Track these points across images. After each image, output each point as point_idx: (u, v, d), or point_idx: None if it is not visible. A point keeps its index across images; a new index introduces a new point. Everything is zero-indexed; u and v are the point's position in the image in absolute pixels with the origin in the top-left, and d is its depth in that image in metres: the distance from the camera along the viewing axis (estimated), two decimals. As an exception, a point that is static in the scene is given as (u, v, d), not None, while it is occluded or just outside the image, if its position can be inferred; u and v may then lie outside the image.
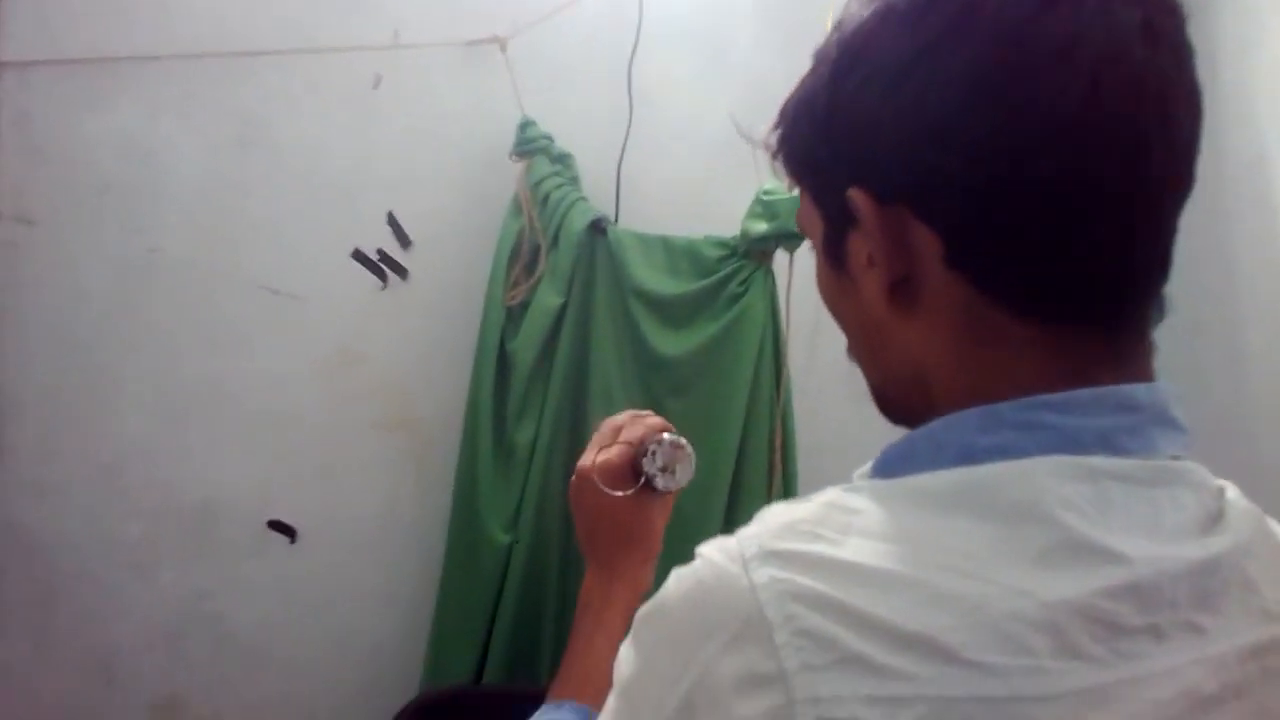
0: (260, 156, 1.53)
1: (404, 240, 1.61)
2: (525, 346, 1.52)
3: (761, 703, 0.38)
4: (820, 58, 0.51)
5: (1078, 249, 0.44)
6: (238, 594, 1.52)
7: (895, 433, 0.51)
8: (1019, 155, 0.43)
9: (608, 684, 0.47)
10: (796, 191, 0.55)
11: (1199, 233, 1.70)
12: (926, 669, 0.37)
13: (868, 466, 0.51)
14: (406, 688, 1.53)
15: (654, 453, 0.82)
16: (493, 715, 0.77)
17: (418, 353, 1.62)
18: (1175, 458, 0.46)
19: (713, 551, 0.43)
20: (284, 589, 1.54)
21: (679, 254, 1.58)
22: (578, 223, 1.54)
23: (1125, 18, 0.43)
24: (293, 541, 1.55)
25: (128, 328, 1.48)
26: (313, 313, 1.56)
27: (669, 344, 1.54)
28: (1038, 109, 0.42)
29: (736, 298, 1.54)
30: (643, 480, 0.82)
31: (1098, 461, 0.43)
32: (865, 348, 0.54)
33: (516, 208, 1.58)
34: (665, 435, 0.83)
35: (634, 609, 0.49)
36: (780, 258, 1.55)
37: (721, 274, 1.55)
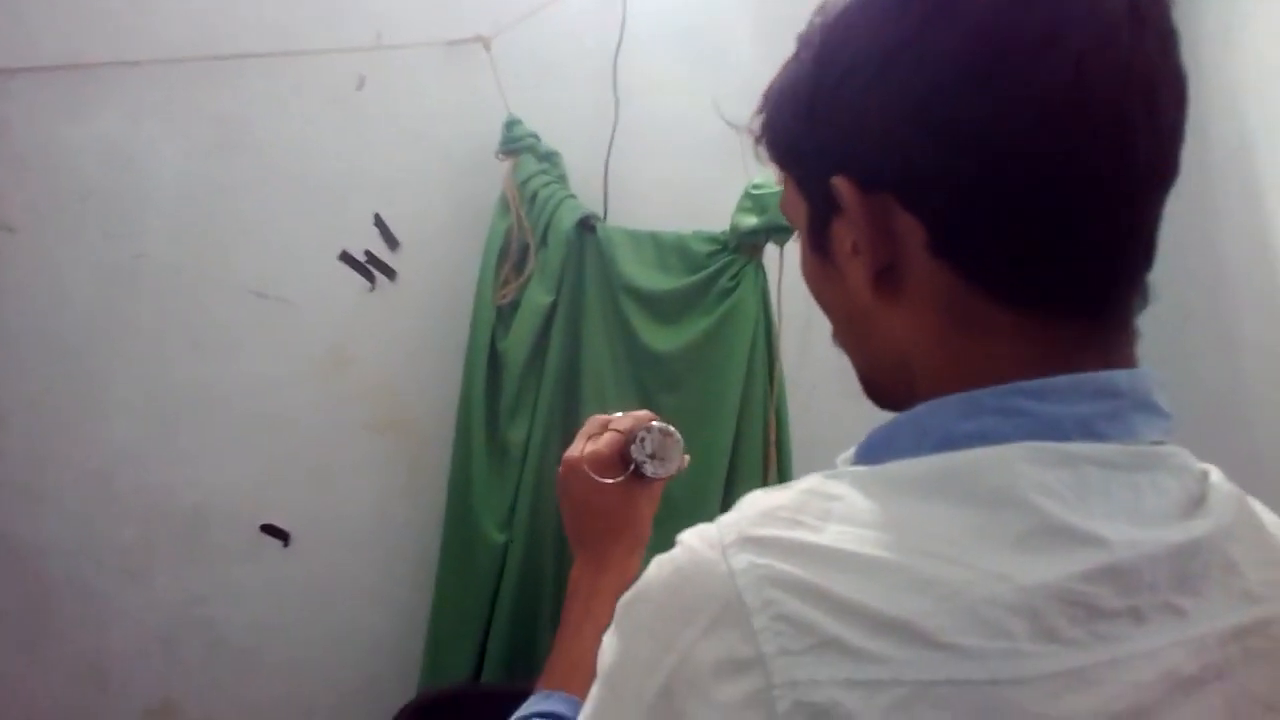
0: (244, 160, 1.53)
1: (391, 241, 1.61)
2: (516, 345, 1.53)
3: (740, 687, 0.38)
4: (803, 43, 0.51)
5: (1062, 236, 0.44)
6: (231, 598, 1.52)
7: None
8: (1004, 142, 0.43)
9: (596, 673, 0.48)
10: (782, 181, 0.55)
11: (1186, 220, 1.72)
12: (904, 653, 0.37)
13: (850, 452, 0.51)
14: (404, 689, 1.54)
15: (643, 439, 0.83)
16: (492, 714, 0.77)
17: (408, 354, 1.62)
18: (1158, 443, 0.46)
19: (692, 538, 0.44)
20: (278, 592, 1.55)
21: (669, 249, 1.59)
22: (566, 220, 1.54)
23: (1111, 4, 0.43)
24: (285, 545, 1.55)
25: (114, 334, 1.47)
26: (301, 316, 1.56)
27: (661, 340, 1.54)
28: (1023, 95, 0.42)
29: (727, 292, 1.55)
30: (632, 468, 0.82)
31: (1076, 447, 0.43)
32: (850, 335, 0.54)
33: (504, 207, 1.58)
34: (654, 423, 0.84)
35: None
36: (771, 251, 1.55)
37: (712, 269, 1.56)
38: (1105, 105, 0.42)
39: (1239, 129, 1.65)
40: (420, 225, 1.63)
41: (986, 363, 0.46)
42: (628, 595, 0.46)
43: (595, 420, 0.88)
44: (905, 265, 0.47)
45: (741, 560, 0.40)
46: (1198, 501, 0.46)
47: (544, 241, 1.56)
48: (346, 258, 1.59)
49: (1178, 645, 0.41)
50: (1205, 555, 0.44)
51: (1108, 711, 0.38)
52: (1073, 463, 0.43)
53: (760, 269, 1.57)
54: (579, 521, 0.85)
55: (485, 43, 1.62)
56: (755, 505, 0.44)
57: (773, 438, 1.58)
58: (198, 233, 1.52)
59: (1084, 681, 0.38)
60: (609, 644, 0.46)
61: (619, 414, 0.88)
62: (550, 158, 1.61)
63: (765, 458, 1.58)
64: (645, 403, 1.52)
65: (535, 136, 1.59)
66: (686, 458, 0.87)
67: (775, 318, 1.59)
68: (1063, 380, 0.44)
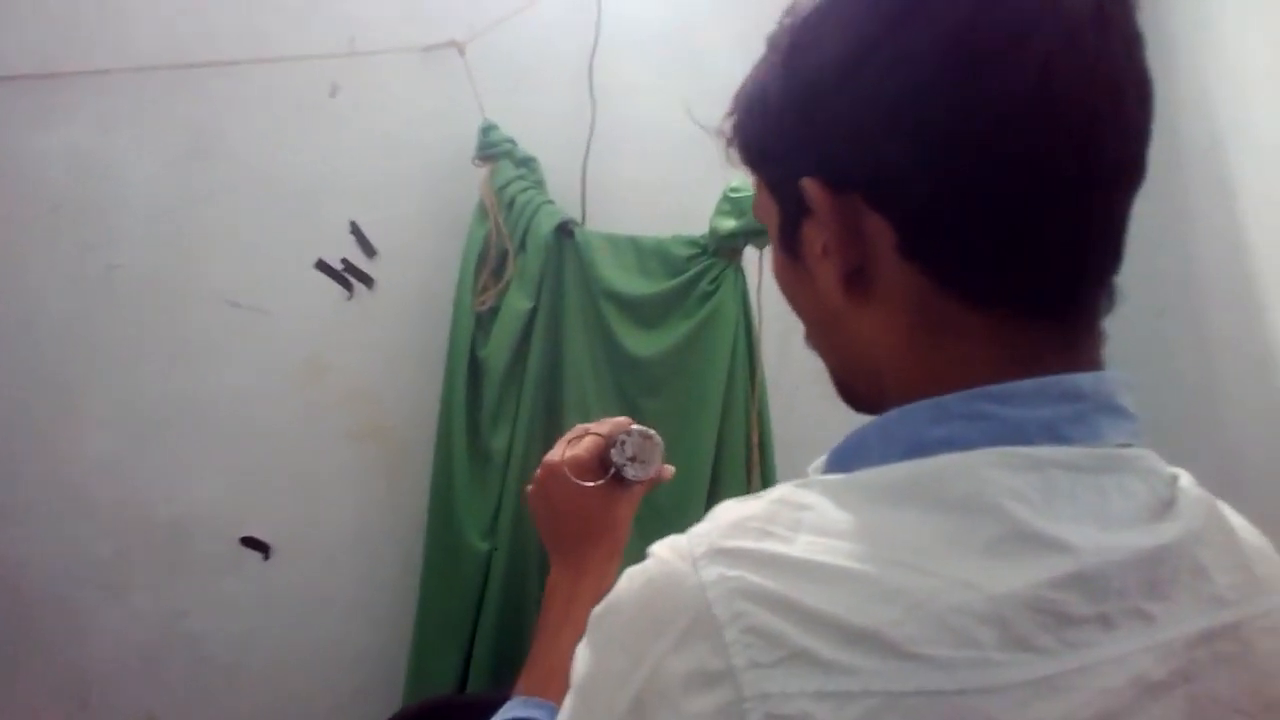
0: (218, 168, 1.53)
1: (368, 249, 1.61)
2: (496, 352, 1.53)
3: (711, 700, 0.38)
4: (772, 45, 0.51)
5: (1030, 238, 0.44)
6: (213, 612, 1.52)
7: (869, 425, 0.51)
8: (971, 144, 0.43)
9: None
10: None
11: (1159, 219, 1.75)
12: (873, 663, 0.38)
13: (822, 460, 0.51)
14: (389, 700, 1.53)
15: (623, 443, 0.83)
16: (479, 724, 0.76)
17: (387, 362, 1.62)
18: (1125, 445, 0.46)
19: (663, 550, 0.44)
20: (260, 605, 1.54)
21: (648, 254, 1.60)
22: (545, 226, 1.54)
23: (1076, 6, 0.43)
24: (266, 557, 1.54)
25: (89, 346, 1.46)
26: (278, 325, 1.56)
27: (641, 345, 1.55)
28: (989, 97, 0.43)
29: (708, 296, 1.56)
30: (612, 471, 0.83)
31: (1043, 451, 0.43)
32: (822, 337, 0.54)
33: (482, 213, 1.58)
34: (634, 426, 0.84)
35: None
36: (750, 254, 1.56)
37: (692, 273, 1.57)
38: (1071, 107, 0.43)
39: (1210, 128, 1.68)
40: (397, 232, 1.63)
41: (955, 365, 0.46)
42: (600, 607, 0.46)
43: (577, 428, 0.88)
44: (875, 267, 0.47)
45: (712, 572, 0.41)
46: (1167, 505, 0.46)
47: (522, 247, 1.56)
48: (323, 266, 1.59)
49: (1146, 651, 0.41)
50: (1174, 560, 0.44)
51: (1076, 718, 0.39)
52: (1040, 467, 0.43)
53: (740, 272, 1.58)
54: (558, 525, 0.85)
55: (460, 48, 1.62)
56: (726, 516, 0.44)
57: (755, 440, 1.59)
58: (171, 242, 1.51)
59: (1053, 689, 0.39)
60: (581, 655, 0.46)
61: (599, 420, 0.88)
62: (527, 163, 1.61)
63: (748, 461, 1.58)
64: (627, 408, 1.53)
65: (512, 142, 1.59)
66: (671, 469, 0.87)
67: (756, 320, 1.60)
68: (1028, 384, 0.45)
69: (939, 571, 0.40)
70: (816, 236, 0.49)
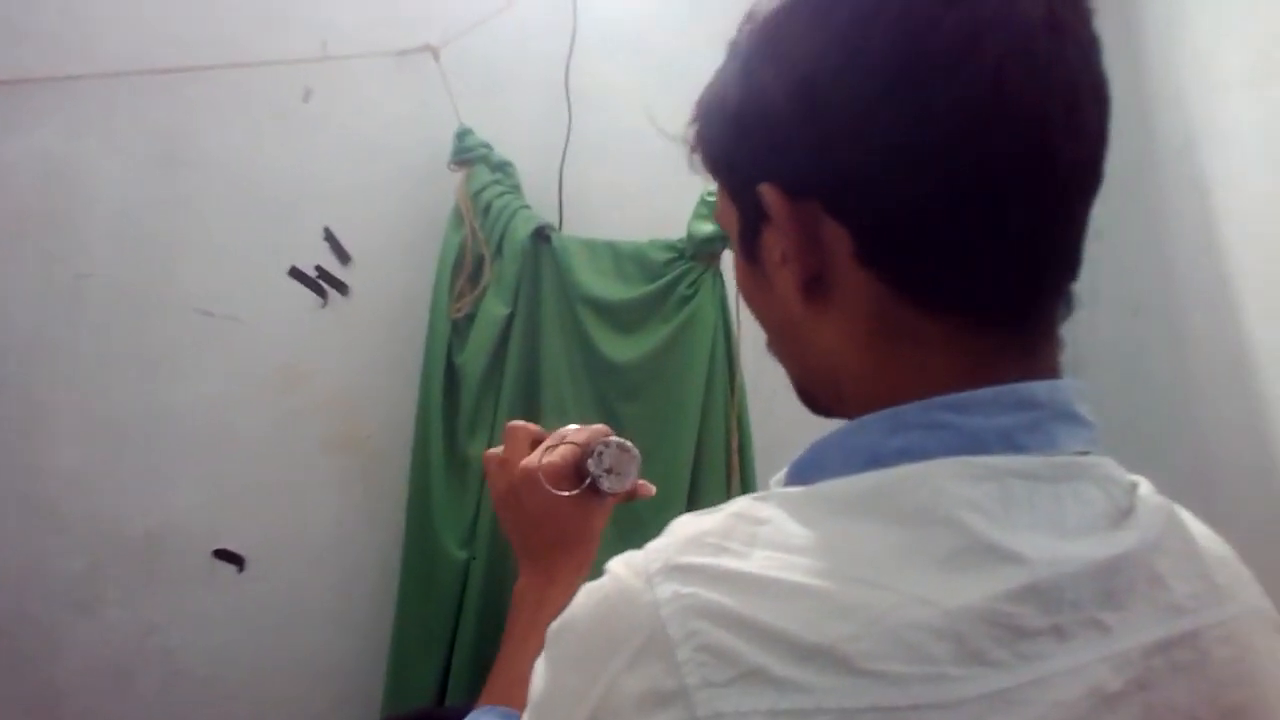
0: (188, 175, 1.52)
1: (343, 256, 1.60)
2: (473, 358, 1.53)
3: None
4: (732, 51, 0.52)
5: (986, 244, 0.45)
6: (186, 626, 1.51)
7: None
8: (925, 151, 0.43)
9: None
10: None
11: (1134, 218, 1.78)
12: (827, 680, 0.38)
13: (783, 472, 0.51)
14: (368, 713, 1.53)
15: (600, 454, 0.83)
16: (458, 736, 0.76)
17: (363, 370, 1.62)
18: (1082, 453, 0.46)
19: (619, 566, 0.44)
20: (236, 618, 1.53)
21: (626, 259, 1.60)
22: (521, 231, 1.55)
23: (1029, 11, 0.43)
24: (241, 570, 1.53)
25: (57, 357, 1.45)
26: (251, 334, 1.55)
27: (620, 350, 1.55)
28: (942, 105, 0.43)
29: (686, 300, 1.56)
30: (588, 481, 0.83)
31: (1000, 460, 0.44)
32: (782, 343, 0.55)
33: (458, 218, 1.58)
34: (612, 437, 0.84)
35: None
36: (728, 258, 1.57)
37: (670, 277, 1.57)
38: (1025, 112, 0.43)
39: (1184, 128, 1.70)
40: (372, 238, 1.62)
41: (913, 372, 0.47)
42: (557, 623, 0.46)
43: (554, 434, 0.88)
44: (833, 274, 0.48)
45: (666, 590, 0.41)
46: (1125, 513, 0.46)
47: (499, 253, 1.56)
48: (297, 273, 1.58)
49: (1102, 661, 0.41)
50: (1130, 569, 0.44)
51: None
52: (997, 476, 0.43)
53: (718, 276, 1.59)
54: (530, 532, 0.84)
55: (434, 52, 1.62)
56: (683, 530, 0.44)
57: (735, 445, 1.60)
58: (141, 251, 1.50)
59: (1008, 703, 0.39)
60: (539, 671, 0.47)
61: (573, 426, 0.89)
62: (503, 168, 1.61)
63: (728, 465, 1.59)
64: (605, 413, 1.53)
65: (488, 146, 1.60)
66: (651, 488, 0.87)
67: (735, 324, 1.61)
68: (985, 393, 0.45)
69: (895, 586, 0.40)
70: (775, 243, 0.49)
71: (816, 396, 0.54)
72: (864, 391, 0.48)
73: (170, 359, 1.51)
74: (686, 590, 0.40)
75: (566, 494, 0.82)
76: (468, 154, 1.58)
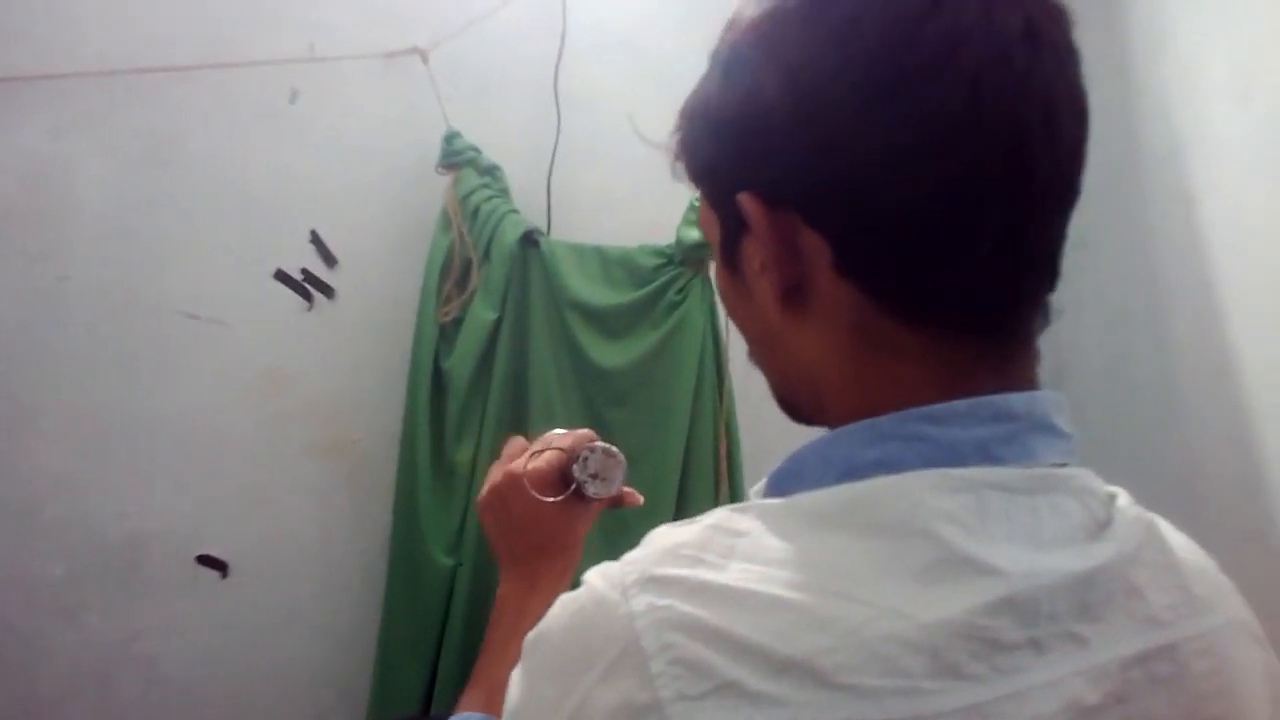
0: (173, 176, 1.52)
1: (329, 259, 1.60)
2: (461, 363, 1.53)
3: None
4: (713, 59, 0.52)
5: (962, 256, 0.45)
6: (168, 633, 1.50)
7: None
8: (903, 161, 0.44)
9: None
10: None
11: (1120, 226, 1.80)
12: (801, 694, 0.38)
13: (762, 483, 0.52)
14: (352, 721, 1.52)
15: (586, 459, 0.84)
16: (444, 744, 0.76)
17: (348, 374, 1.62)
18: (1059, 465, 0.47)
19: (595, 578, 0.44)
20: (218, 625, 1.53)
21: (614, 264, 1.61)
22: (509, 236, 1.55)
23: (1007, 23, 0.44)
24: (224, 576, 1.53)
25: (39, 360, 1.45)
26: (235, 337, 1.55)
27: (608, 355, 1.56)
28: (920, 115, 0.43)
29: (675, 306, 1.57)
30: (573, 487, 0.83)
31: (976, 472, 0.44)
32: (762, 352, 0.55)
33: (445, 222, 1.58)
34: (597, 443, 0.85)
35: None
36: (716, 264, 1.57)
37: (658, 283, 1.58)
38: (1002, 124, 0.44)
39: (1169, 137, 1.73)
40: (359, 242, 1.62)
41: (891, 382, 0.47)
42: (533, 633, 0.47)
43: (540, 439, 0.88)
44: (812, 284, 0.48)
45: (641, 602, 0.41)
46: (1103, 525, 0.47)
47: (487, 257, 1.56)
48: (282, 276, 1.58)
49: (1079, 674, 0.42)
50: (1107, 582, 0.44)
51: None
52: (974, 488, 0.43)
53: (707, 282, 1.60)
54: (514, 537, 0.85)
55: (423, 55, 1.62)
56: (660, 541, 0.44)
57: (723, 451, 1.61)
58: (125, 252, 1.49)
59: (983, 716, 0.39)
60: (515, 682, 0.47)
61: (559, 431, 0.89)
62: (492, 171, 1.62)
63: (716, 471, 1.60)
64: (593, 419, 1.54)
65: (476, 150, 1.60)
66: (639, 497, 0.88)
67: (723, 330, 1.62)
68: (962, 404, 0.45)
69: (871, 599, 0.40)
70: (755, 252, 0.50)
71: (797, 405, 0.54)
72: (843, 401, 0.49)
73: (154, 361, 1.51)
74: (662, 602, 0.41)
75: (552, 499, 0.83)
76: (456, 158, 1.59)
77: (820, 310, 0.48)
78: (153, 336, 1.51)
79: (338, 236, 1.61)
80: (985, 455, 0.45)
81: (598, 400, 1.58)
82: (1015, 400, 0.46)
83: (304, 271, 1.59)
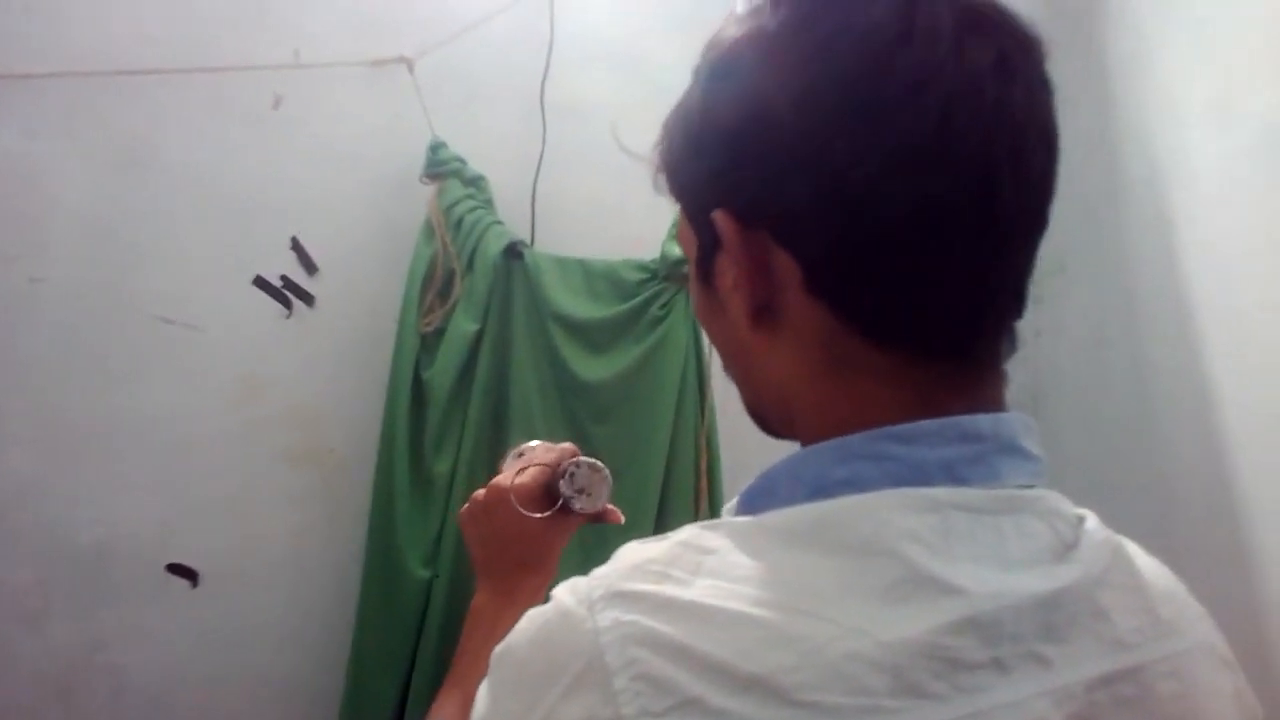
0: (151, 179, 1.51)
1: (310, 266, 1.60)
2: (441, 374, 1.53)
3: None
4: (695, 76, 0.53)
5: (930, 280, 0.46)
6: (136, 643, 1.49)
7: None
8: (872, 187, 0.45)
9: None
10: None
11: (1099, 248, 1.83)
12: (763, 711, 0.38)
13: (735, 501, 0.53)
14: (322, 734, 1.51)
15: (572, 474, 0.84)
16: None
17: (327, 382, 1.61)
18: (1026, 486, 0.48)
19: (563, 593, 0.45)
20: (188, 635, 1.52)
21: (598, 277, 1.62)
22: (493, 247, 1.56)
23: (978, 55, 0.45)
24: (194, 585, 1.52)
25: (9, 362, 1.44)
26: (212, 343, 1.54)
27: (590, 369, 1.57)
28: (890, 143, 0.44)
29: (658, 321, 1.58)
30: (560, 503, 0.84)
31: (942, 492, 0.45)
32: (735, 367, 0.56)
33: (429, 232, 1.59)
34: (582, 458, 0.85)
35: None
36: (699, 279, 1.58)
37: (642, 297, 1.59)
38: (971, 153, 0.45)
39: (1149, 161, 1.76)
40: (340, 249, 1.62)
41: (859, 401, 0.48)
42: (500, 647, 0.47)
43: (526, 455, 0.89)
44: (783, 303, 0.49)
45: (607, 617, 0.41)
46: (1069, 547, 0.47)
47: (470, 268, 1.57)
48: (261, 282, 1.58)
49: (1043, 695, 0.42)
50: (1072, 604, 0.45)
51: None
52: (938, 508, 0.44)
53: (690, 298, 1.60)
54: (497, 551, 0.85)
55: (409, 63, 1.63)
56: (629, 557, 0.45)
57: (704, 466, 1.62)
58: (100, 255, 1.49)
59: None
60: (481, 695, 0.47)
61: (535, 442, 0.89)
62: (476, 182, 1.62)
63: (697, 487, 1.61)
64: (575, 433, 1.54)
65: (461, 161, 1.61)
66: (621, 516, 0.88)
67: (705, 346, 1.63)
68: (930, 424, 0.46)
69: (835, 617, 0.40)
70: (728, 269, 0.50)
71: (767, 419, 0.55)
72: (812, 418, 0.50)
73: (127, 366, 1.50)
74: (628, 618, 0.41)
75: (539, 515, 0.83)
76: (441, 168, 1.59)
77: (791, 328, 0.49)
78: (126, 340, 1.50)
79: (319, 244, 1.61)
80: (951, 475, 0.45)
81: (579, 414, 1.58)
82: (982, 421, 0.47)
83: (284, 278, 1.59)
